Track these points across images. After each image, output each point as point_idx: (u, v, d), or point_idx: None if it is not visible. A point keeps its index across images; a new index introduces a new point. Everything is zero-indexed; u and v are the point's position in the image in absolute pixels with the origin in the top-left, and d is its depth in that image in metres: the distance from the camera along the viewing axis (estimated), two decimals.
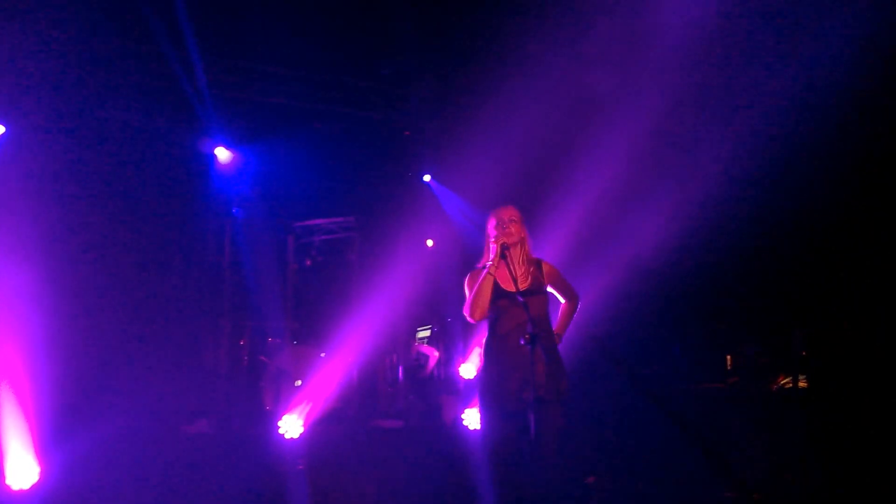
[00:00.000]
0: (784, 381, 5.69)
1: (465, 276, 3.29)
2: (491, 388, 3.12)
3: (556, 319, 3.35)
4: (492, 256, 3.14)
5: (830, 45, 4.65)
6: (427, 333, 6.87)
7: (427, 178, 6.83)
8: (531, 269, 3.21)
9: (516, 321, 3.06)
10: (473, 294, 3.10)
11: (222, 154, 6.24)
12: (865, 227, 5.24)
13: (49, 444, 4.38)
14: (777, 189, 5.42)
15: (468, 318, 3.15)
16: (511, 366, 3.06)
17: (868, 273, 5.22)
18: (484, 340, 3.23)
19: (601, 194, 5.72)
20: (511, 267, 3.09)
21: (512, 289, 3.08)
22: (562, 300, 3.36)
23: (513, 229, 3.18)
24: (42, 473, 4.26)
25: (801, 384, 5.52)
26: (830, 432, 4.86)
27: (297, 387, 5.98)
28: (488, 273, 3.10)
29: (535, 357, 2.93)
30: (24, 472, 4.24)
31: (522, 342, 2.91)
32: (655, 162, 5.70)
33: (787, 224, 5.60)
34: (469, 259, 3.42)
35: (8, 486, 4.20)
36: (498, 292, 3.14)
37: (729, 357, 6.01)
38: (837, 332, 5.40)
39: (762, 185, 5.42)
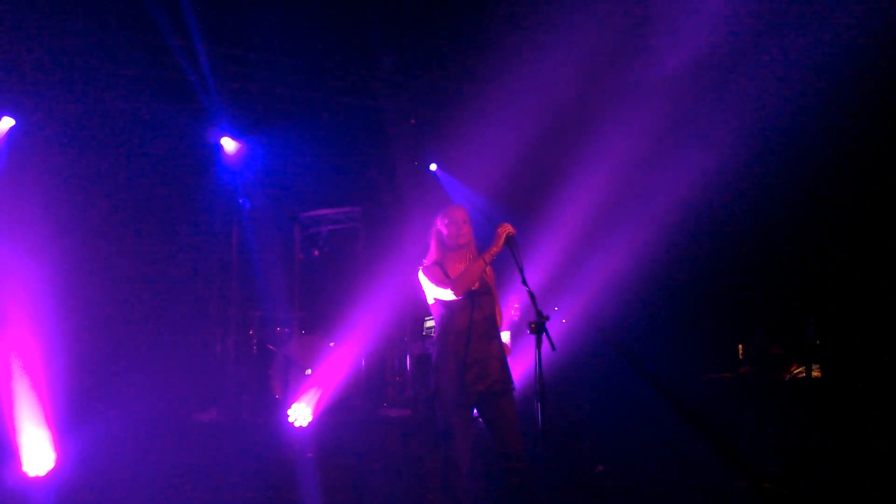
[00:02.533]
0: (797, 370, 5.64)
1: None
2: (445, 381, 3.17)
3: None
4: (497, 244, 3.18)
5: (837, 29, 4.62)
6: (433, 323, 6.87)
7: (433, 167, 6.81)
8: None
9: (472, 317, 3.19)
10: (467, 275, 3.17)
11: (228, 144, 6.25)
12: (881, 214, 5.17)
13: (64, 432, 4.45)
14: (791, 175, 5.35)
15: (454, 294, 3.19)
16: (463, 361, 3.15)
17: (883, 261, 5.16)
18: (436, 337, 3.29)
19: (609, 181, 5.69)
20: (516, 257, 3.14)
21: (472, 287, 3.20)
22: None
23: (465, 230, 3.29)
24: (58, 460, 4.33)
25: (815, 374, 5.47)
26: (844, 422, 4.81)
27: (306, 376, 6.03)
28: (483, 260, 3.19)
29: (494, 351, 3.16)
30: (41, 459, 4.31)
31: (528, 331, 3.00)
32: (664, 150, 5.65)
33: (801, 211, 5.52)
34: (478, 247, 3.43)
35: (25, 473, 4.27)
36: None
37: (740, 346, 5.97)
38: (852, 321, 5.34)
39: (776, 172, 5.37)
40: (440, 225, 3.35)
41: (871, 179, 5.14)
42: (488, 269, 3.35)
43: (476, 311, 3.20)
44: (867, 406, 4.83)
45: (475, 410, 3.22)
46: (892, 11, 4.42)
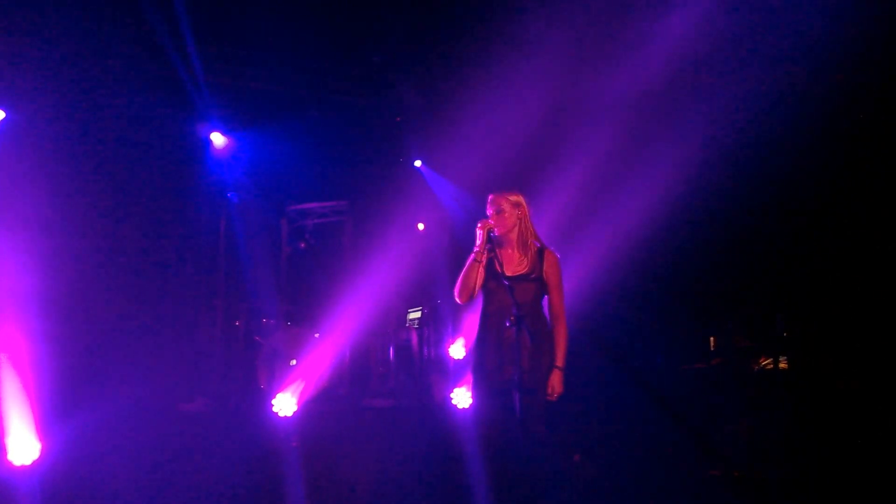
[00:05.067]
0: (765, 361, 5.83)
1: (456, 259, 3.37)
2: (477, 367, 3.21)
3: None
4: (478, 242, 3.18)
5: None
6: (418, 315, 6.99)
7: (418, 163, 6.90)
8: (529, 255, 3.22)
9: (501, 304, 3.13)
10: (461, 278, 3.17)
11: (217, 139, 6.28)
12: (846, 212, 5.36)
13: (50, 421, 4.45)
14: (761, 174, 5.52)
15: (458, 301, 3.21)
16: (494, 347, 3.14)
17: (848, 258, 5.35)
18: (479, 316, 3.27)
19: (588, 178, 5.80)
20: (496, 251, 3.14)
21: (501, 272, 3.15)
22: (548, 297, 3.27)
23: (504, 217, 3.19)
24: (43, 450, 4.33)
25: (782, 365, 5.67)
26: (809, 411, 4.99)
27: (291, 366, 6.10)
28: (475, 259, 3.16)
29: (520, 340, 2.96)
30: (25, 448, 4.32)
31: (508, 324, 2.99)
32: (641, 147, 5.78)
33: (770, 208, 5.70)
34: (460, 243, 3.50)
35: (10, 462, 4.28)
36: (490, 274, 3.18)
37: (713, 338, 6.15)
38: (817, 316, 5.54)
39: (747, 170, 5.53)
40: (487, 210, 3.26)
41: (837, 177, 5.32)
42: (550, 256, 3.23)
43: (508, 296, 3.06)
44: (831, 395, 5.03)
45: (512, 396, 3.09)
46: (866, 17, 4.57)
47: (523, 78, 5.49)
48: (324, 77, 5.98)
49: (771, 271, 5.80)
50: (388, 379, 6.44)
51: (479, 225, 3.22)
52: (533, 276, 3.19)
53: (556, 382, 3.13)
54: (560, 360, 3.15)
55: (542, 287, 3.22)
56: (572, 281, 5.81)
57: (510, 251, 3.25)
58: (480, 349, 3.22)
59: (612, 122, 5.60)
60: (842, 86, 4.85)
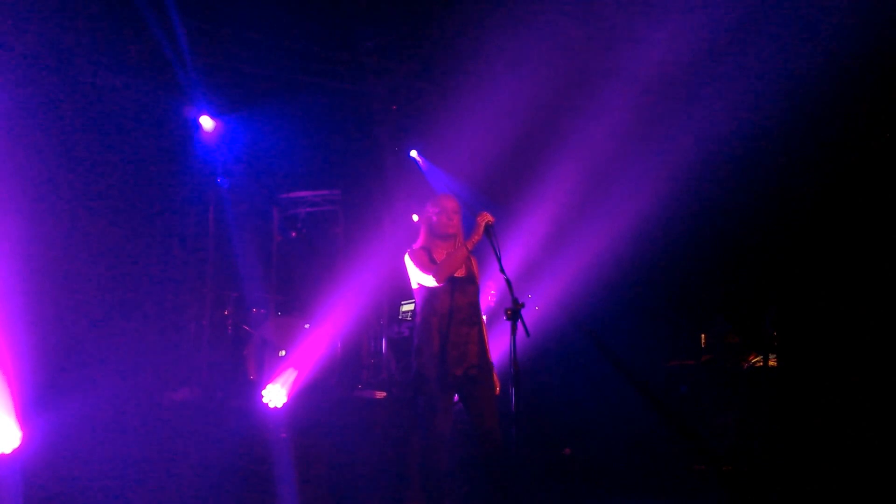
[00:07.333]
0: (755, 359, 5.89)
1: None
2: (426, 363, 3.25)
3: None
4: (478, 233, 3.26)
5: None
6: (411, 307, 6.94)
7: (414, 153, 6.83)
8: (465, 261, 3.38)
9: (454, 301, 3.27)
10: (450, 263, 3.26)
11: (206, 122, 6.15)
12: (838, 210, 5.41)
13: (31, 409, 4.37)
14: (752, 170, 5.56)
15: (436, 281, 3.26)
16: (444, 344, 3.23)
17: (836, 258, 5.41)
18: (418, 320, 3.36)
19: (581, 174, 5.83)
20: (495, 245, 3.23)
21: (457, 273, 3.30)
22: None
23: (455, 220, 3.37)
24: (23, 438, 4.26)
25: (771, 363, 5.74)
26: (797, 408, 5.08)
27: (281, 357, 6.04)
28: (466, 248, 3.27)
29: (473, 336, 3.24)
30: (5, 436, 4.24)
31: (504, 317, 3.11)
32: (636, 142, 5.80)
33: (762, 206, 5.75)
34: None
35: None
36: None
37: (703, 336, 6.22)
38: (806, 314, 5.62)
39: (738, 168, 5.56)
40: (431, 212, 3.42)
41: (828, 174, 5.37)
42: (472, 258, 3.44)
43: (458, 296, 3.27)
44: (818, 393, 5.10)
45: (455, 395, 3.29)
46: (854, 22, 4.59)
47: (522, 66, 5.44)
48: (317, 62, 5.88)
49: (762, 269, 5.88)
50: (380, 370, 6.40)
51: (478, 218, 3.29)
52: (474, 279, 3.40)
53: (496, 378, 3.38)
54: (491, 357, 3.39)
55: (478, 290, 3.42)
56: (567, 277, 5.84)
57: (497, 246, 3.33)
58: (428, 347, 3.26)
59: (606, 117, 5.62)
60: (834, 85, 4.87)
